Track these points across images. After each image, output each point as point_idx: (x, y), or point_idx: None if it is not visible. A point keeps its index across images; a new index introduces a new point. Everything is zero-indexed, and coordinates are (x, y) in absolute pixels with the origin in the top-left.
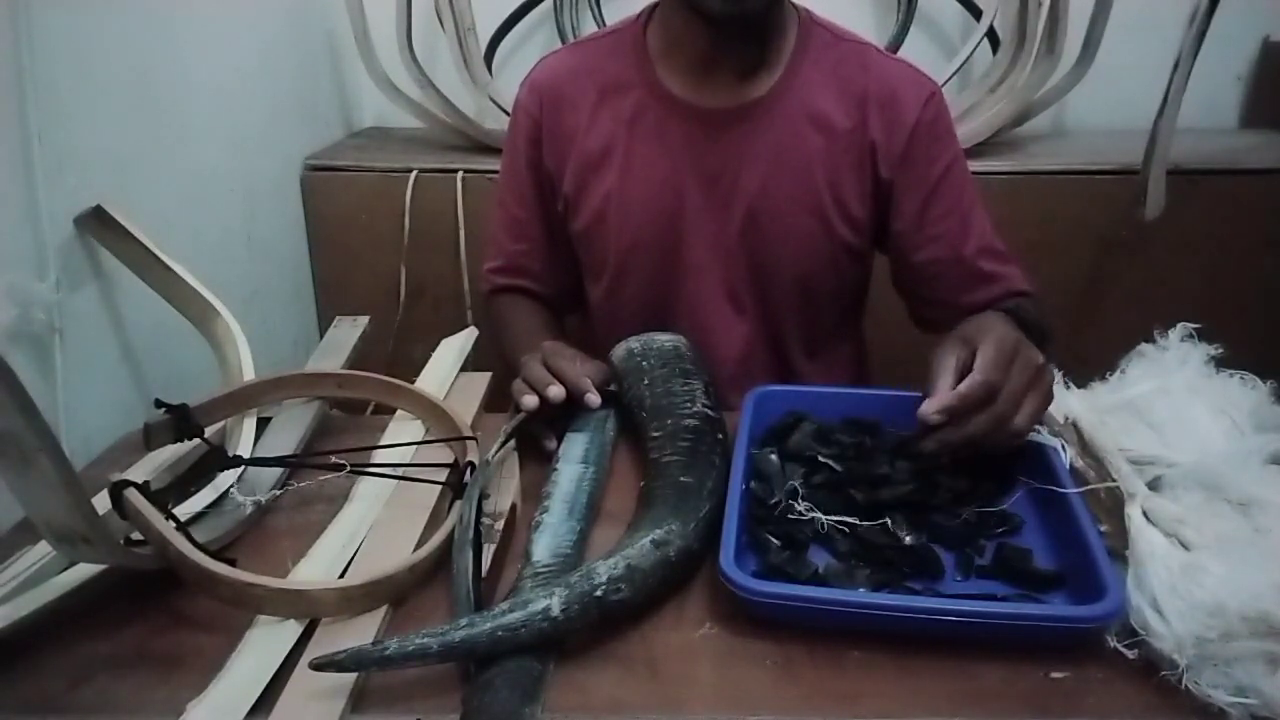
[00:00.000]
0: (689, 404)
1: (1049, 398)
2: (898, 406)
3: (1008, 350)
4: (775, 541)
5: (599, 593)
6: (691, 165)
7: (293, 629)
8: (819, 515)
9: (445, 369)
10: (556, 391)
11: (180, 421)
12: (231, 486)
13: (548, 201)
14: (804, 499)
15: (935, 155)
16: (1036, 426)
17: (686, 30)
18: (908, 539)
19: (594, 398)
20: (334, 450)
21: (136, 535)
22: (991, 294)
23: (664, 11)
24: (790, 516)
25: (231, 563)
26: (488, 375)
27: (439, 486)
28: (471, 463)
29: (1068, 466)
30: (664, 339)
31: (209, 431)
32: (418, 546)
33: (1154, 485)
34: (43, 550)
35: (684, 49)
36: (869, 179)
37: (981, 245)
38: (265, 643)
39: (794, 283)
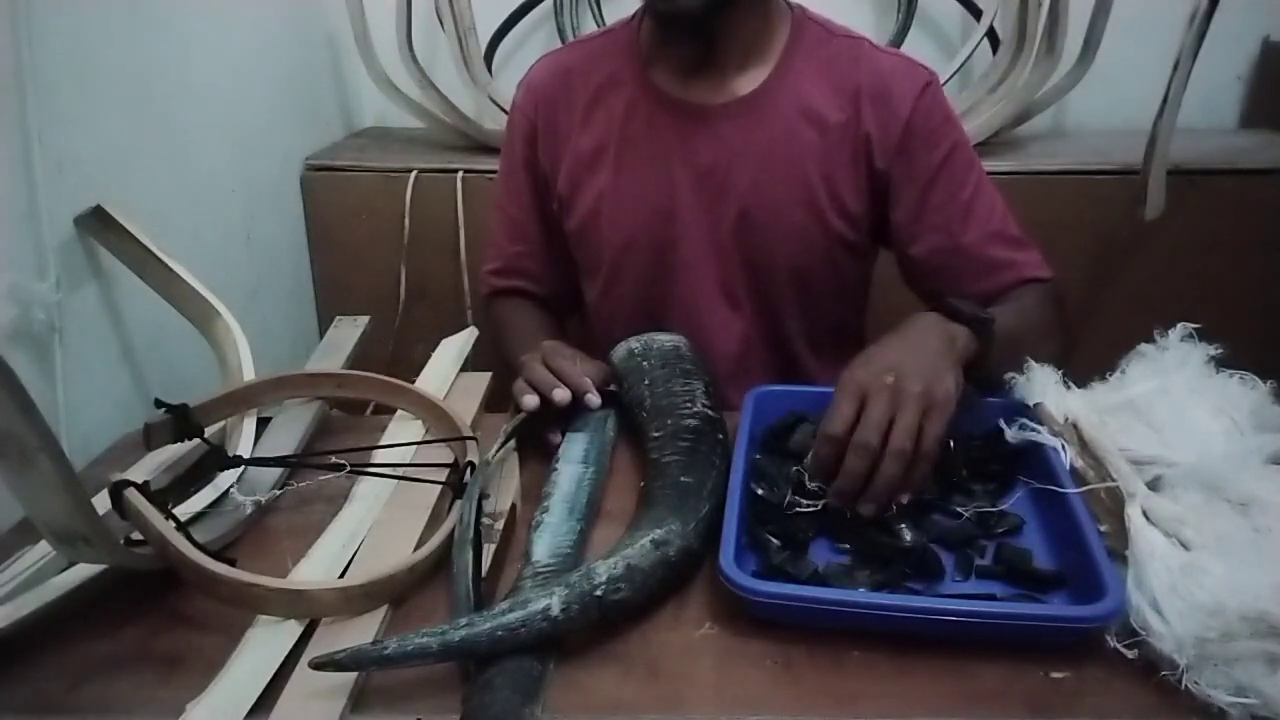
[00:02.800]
0: (689, 404)
1: (922, 403)
2: None
3: (851, 390)
4: (775, 541)
5: (599, 592)
6: (683, 162)
7: (293, 629)
8: (827, 501)
9: (445, 369)
10: (562, 395)
11: (180, 421)
12: (231, 486)
13: (544, 202)
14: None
15: (932, 145)
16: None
17: (650, 25)
18: (908, 539)
19: (594, 398)
20: (334, 450)
21: (136, 535)
22: (1001, 281)
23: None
24: (797, 510)
25: (231, 563)
26: (488, 375)
27: (439, 486)
28: (471, 463)
29: (1068, 466)
30: (664, 339)
31: (209, 431)
32: (418, 546)
33: (1154, 485)
34: (43, 550)
35: (660, 43)
36: (864, 172)
37: (990, 231)
38: (265, 643)
39: (790, 279)
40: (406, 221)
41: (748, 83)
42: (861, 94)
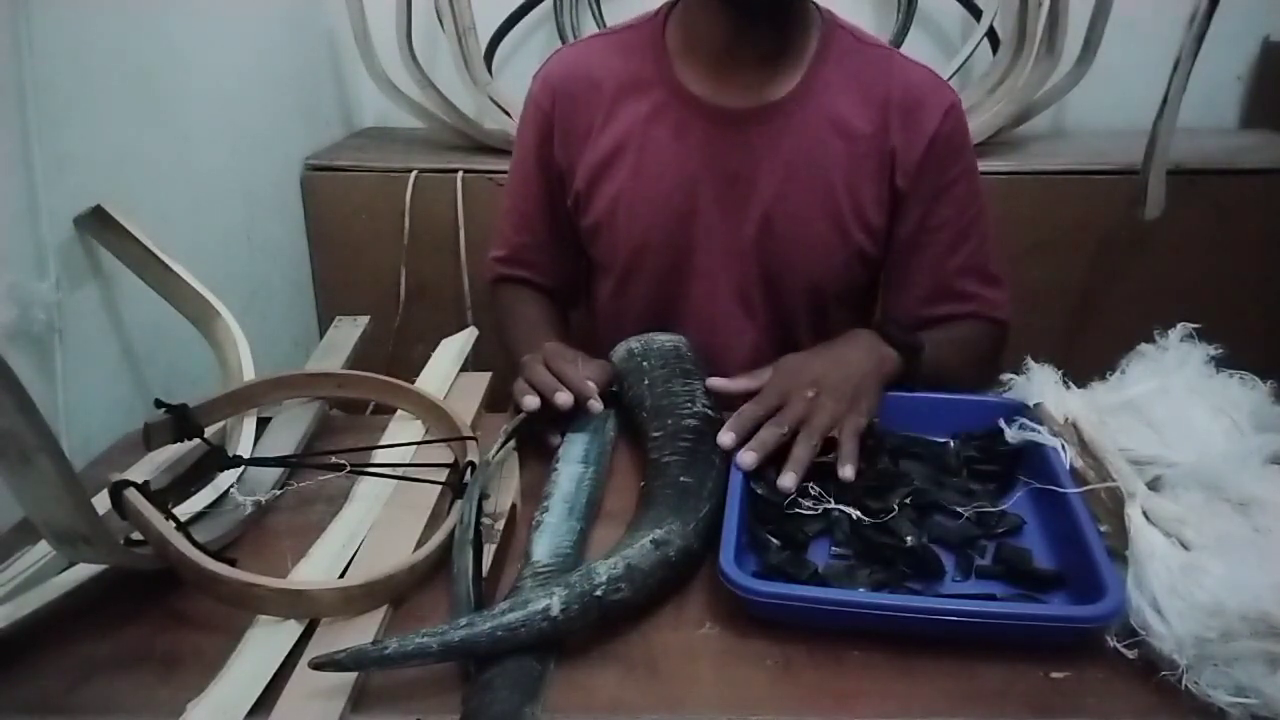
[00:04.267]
0: (689, 404)
1: (834, 420)
2: (897, 407)
3: (774, 392)
4: (775, 541)
5: (599, 592)
6: (707, 165)
7: (293, 629)
8: (829, 505)
9: (445, 369)
10: (565, 399)
11: (180, 421)
12: (231, 486)
13: (555, 196)
14: (810, 495)
15: (947, 166)
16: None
17: (708, 22)
18: (908, 539)
19: (596, 404)
20: (334, 450)
21: (136, 535)
22: (959, 311)
23: (684, 6)
24: (797, 510)
25: (231, 563)
26: (488, 375)
27: (439, 486)
28: (471, 463)
29: (1068, 466)
30: (664, 339)
31: (209, 431)
32: (418, 546)
33: (1154, 485)
34: (43, 550)
35: (704, 45)
36: (887, 187)
37: (969, 264)
38: (265, 643)
39: (806, 288)
40: (406, 221)
41: (777, 88)
42: (891, 106)
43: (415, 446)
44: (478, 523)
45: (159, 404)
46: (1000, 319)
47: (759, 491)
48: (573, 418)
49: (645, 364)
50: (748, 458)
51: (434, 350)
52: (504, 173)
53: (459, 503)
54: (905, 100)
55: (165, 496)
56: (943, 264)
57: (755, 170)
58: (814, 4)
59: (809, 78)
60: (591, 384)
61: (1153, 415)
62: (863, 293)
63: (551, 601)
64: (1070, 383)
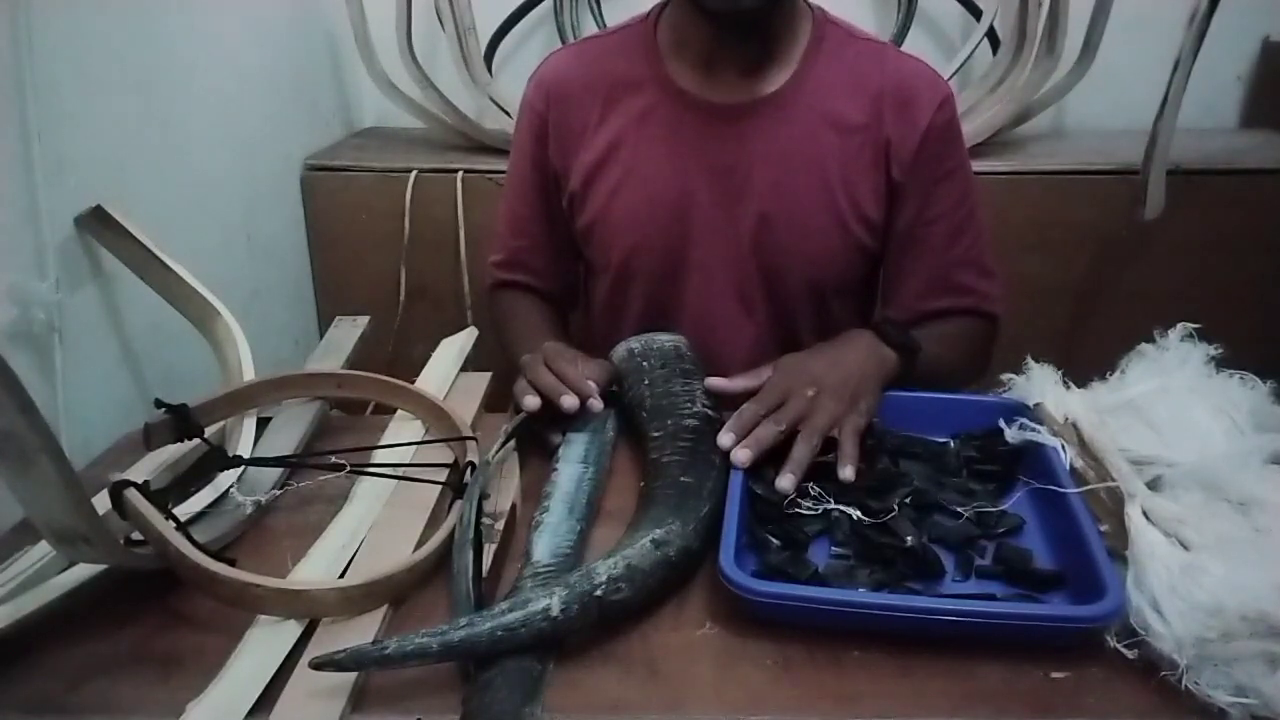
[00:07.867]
0: (689, 404)
1: (832, 420)
2: (897, 407)
3: (776, 390)
4: (775, 541)
5: (599, 592)
6: (701, 161)
7: (293, 629)
8: (829, 505)
9: (445, 369)
10: (570, 402)
11: (180, 421)
12: (231, 486)
13: (551, 198)
14: (810, 495)
15: (941, 159)
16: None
17: (692, 26)
18: (908, 539)
19: (597, 403)
20: (334, 450)
21: (136, 535)
22: (957, 304)
23: (672, 8)
24: (797, 510)
25: (231, 563)
26: (488, 375)
27: (439, 486)
28: (471, 463)
29: (1068, 466)
30: (664, 339)
31: (209, 431)
32: (418, 546)
33: (1154, 485)
34: (43, 550)
35: (693, 44)
36: (883, 179)
37: (967, 256)
38: (265, 643)
39: (805, 282)
40: (406, 221)
41: (769, 83)
42: (884, 97)
43: (415, 446)
44: (478, 523)
45: (159, 404)
46: (994, 313)
47: (759, 491)
48: (573, 417)
49: (645, 364)
50: (742, 454)
51: (434, 350)
52: (504, 173)
53: (459, 503)
54: (899, 92)
55: (165, 496)
56: (941, 256)
57: (749, 164)
58: (805, 1)
59: (801, 72)
60: (592, 383)
61: (1153, 415)
62: (862, 285)
63: (551, 601)
64: (1070, 383)
